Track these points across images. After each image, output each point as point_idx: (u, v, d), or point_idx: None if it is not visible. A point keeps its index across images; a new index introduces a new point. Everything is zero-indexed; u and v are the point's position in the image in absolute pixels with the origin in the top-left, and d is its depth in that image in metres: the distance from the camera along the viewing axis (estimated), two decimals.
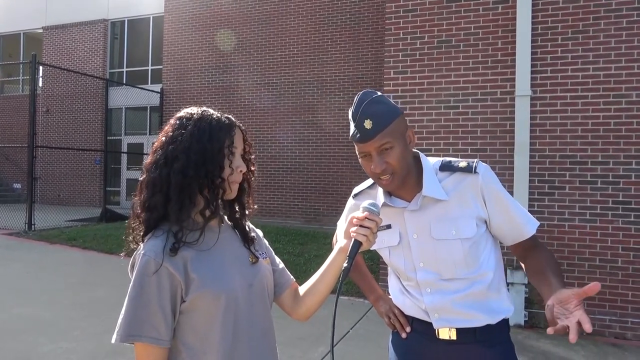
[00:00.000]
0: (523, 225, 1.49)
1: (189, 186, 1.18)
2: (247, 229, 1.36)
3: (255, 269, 1.30)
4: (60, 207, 13.23)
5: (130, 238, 1.24)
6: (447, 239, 1.46)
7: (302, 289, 1.41)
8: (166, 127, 1.25)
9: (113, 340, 1.13)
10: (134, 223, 1.24)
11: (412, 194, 1.51)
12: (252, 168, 1.33)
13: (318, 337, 4.23)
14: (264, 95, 11.93)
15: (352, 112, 1.43)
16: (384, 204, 1.54)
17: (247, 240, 1.33)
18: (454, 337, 1.49)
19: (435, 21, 5.06)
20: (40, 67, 14.06)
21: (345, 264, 1.28)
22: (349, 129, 1.48)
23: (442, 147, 4.98)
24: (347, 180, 11.08)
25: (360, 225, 1.27)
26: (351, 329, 4.47)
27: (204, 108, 1.28)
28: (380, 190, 1.56)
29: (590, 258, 4.48)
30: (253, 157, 1.34)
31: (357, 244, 1.27)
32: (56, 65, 13.69)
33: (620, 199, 4.40)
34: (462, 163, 1.49)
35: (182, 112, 1.27)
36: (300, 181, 11.55)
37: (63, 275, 6.52)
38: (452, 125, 4.97)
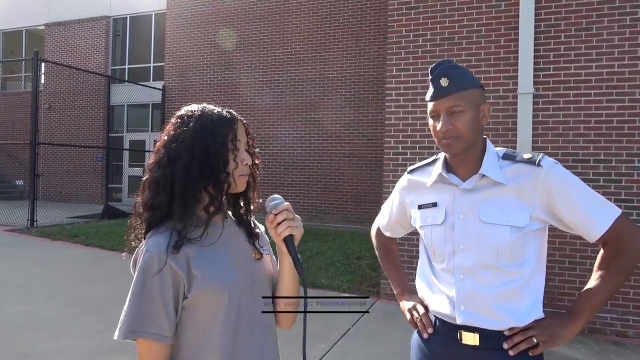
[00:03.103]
0: (588, 226, 1.39)
1: (193, 183, 1.18)
2: (252, 224, 1.35)
3: (259, 265, 1.29)
4: (62, 204, 13.25)
5: (132, 236, 1.24)
6: (495, 224, 1.40)
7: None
8: (168, 127, 1.25)
9: (115, 337, 1.13)
10: (135, 222, 1.24)
11: (468, 173, 1.47)
12: (257, 161, 1.33)
13: (319, 335, 4.24)
14: (265, 93, 11.92)
15: (431, 68, 1.44)
16: (437, 180, 1.53)
17: (252, 235, 1.32)
18: (476, 342, 1.42)
19: (437, 18, 5.04)
20: (42, 64, 14.05)
21: (294, 265, 1.25)
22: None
23: None
24: (348, 178, 11.08)
25: (278, 224, 1.24)
26: (352, 326, 4.47)
27: (204, 104, 1.27)
28: (436, 166, 1.55)
29: (591, 256, 4.47)
30: (257, 150, 1.34)
31: (290, 238, 1.25)
32: (58, 62, 13.69)
33: (623, 197, 4.39)
34: (527, 155, 1.44)
35: (183, 110, 1.26)
36: (301, 179, 11.55)
37: (65, 272, 6.53)
38: None
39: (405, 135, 5.16)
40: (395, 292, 1.80)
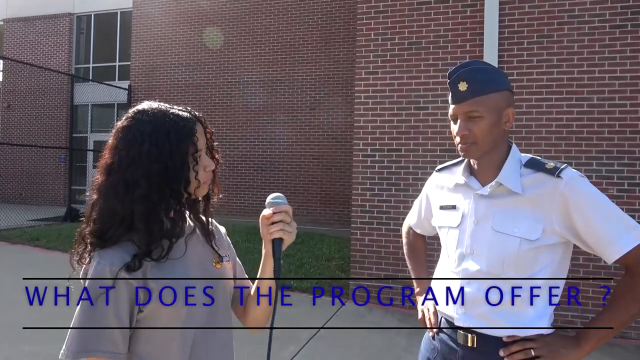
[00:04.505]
0: (605, 247, 1.31)
1: (155, 212, 1.08)
2: (208, 222, 1.26)
3: (218, 274, 1.21)
4: (22, 206, 12.80)
5: (75, 260, 1.10)
6: (506, 234, 1.37)
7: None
8: (117, 143, 1.11)
9: (61, 356, 1.02)
10: (79, 248, 1.09)
11: (488, 179, 1.45)
12: (217, 157, 1.23)
13: (289, 337, 4.23)
14: (235, 94, 11.83)
15: (450, 72, 1.42)
16: (458, 182, 1.53)
17: (208, 235, 1.23)
18: (474, 344, 1.43)
19: (405, 23, 5.12)
20: (1, 61, 13.57)
21: (274, 267, 1.19)
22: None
23: (411, 147, 5.05)
24: (318, 180, 11.11)
25: (272, 223, 1.19)
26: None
27: (158, 105, 1.14)
28: (462, 168, 1.53)
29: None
30: (216, 144, 1.23)
31: (278, 241, 1.20)
32: (18, 60, 13.23)
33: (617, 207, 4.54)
34: (550, 164, 1.39)
35: (130, 121, 1.12)
36: (270, 180, 11.51)
37: (25, 277, 6.31)
38: (421, 126, 5.04)
39: (374, 138, 5.21)
40: (415, 292, 1.81)
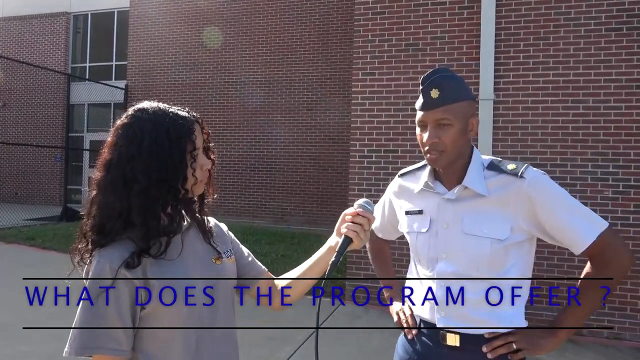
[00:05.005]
0: (572, 240, 1.38)
1: (153, 208, 1.10)
2: (205, 220, 1.28)
3: (219, 270, 1.23)
4: (18, 206, 12.75)
5: (77, 260, 1.12)
6: (476, 235, 1.41)
7: (283, 280, 1.38)
8: (117, 140, 1.13)
9: (65, 353, 1.03)
10: (81, 244, 1.12)
11: (454, 183, 1.47)
12: (213, 157, 1.25)
13: (286, 337, 4.23)
14: (231, 94, 11.83)
15: (423, 78, 1.42)
16: (424, 187, 1.53)
17: (205, 233, 1.25)
18: (456, 343, 1.45)
19: (403, 24, 5.14)
20: None
21: (332, 259, 1.24)
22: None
23: (408, 148, 5.06)
24: (314, 181, 11.12)
25: (352, 222, 1.25)
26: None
27: (158, 105, 1.17)
28: (426, 172, 1.54)
29: (548, 257, 4.64)
30: (212, 144, 1.25)
31: (348, 240, 1.24)
32: (14, 58, 13.18)
33: (577, 200, 4.56)
34: (511, 165, 1.43)
35: (132, 118, 1.14)
36: (267, 181, 11.51)
37: (21, 276, 6.29)
38: None
39: (370, 139, 5.22)
40: (385, 295, 1.82)
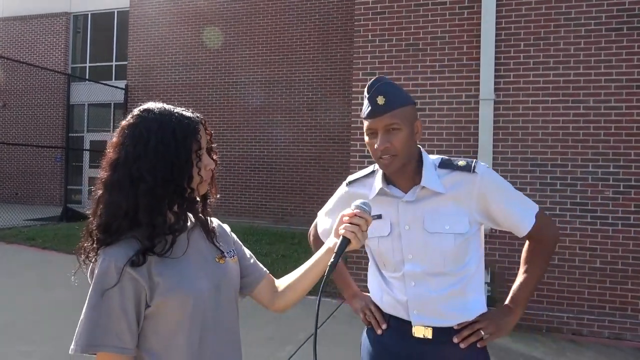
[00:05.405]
0: (518, 225, 1.53)
1: (159, 207, 1.12)
2: (208, 220, 1.29)
3: (223, 268, 1.24)
4: (18, 206, 12.75)
5: (83, 258, 1.13)
6: (439, 233, 1.47)
7: (283, 283, 1.40)
8: (123, 140, 1.14)
9: (71, 351, 1.05)
10: (86, 243, 1.13)
11: (409, 185, 1.52)
12: (215, 157, 1.27)
13: (286, 337, 4.23)
14: (232, 94, 11.83)
15: (368, 87, 1.45)
16: (378, 193, 1.55)
17: (209, 232, 1.27)
18: (429, 335, 1.50)
19: (403, 24, 5.13)
20: None
21: (332, 259, 1.27)
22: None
23: None
24: (314, 181, 11.11)
25: (350, 223, 1.27)
26: (318, 328, 4.48)
27: (163, 106, 1.18)
28: (376, 179, 1.57)
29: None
30: (214, 145, 1.28)
31: (346, 241, 1.26)
32: (13, 59, 13.18)
33: (578, 200, 4.57)
34: (461, 162, 1.51)
35: (138, 118, 1.16)
36: (267, 181, 11.50)
37: (21, 277, 6.29)
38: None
39: None
40: (344, 295, 1.82)
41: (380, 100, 1.42)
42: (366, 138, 1.51)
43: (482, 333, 1.49)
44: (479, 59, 4.83)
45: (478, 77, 4.83)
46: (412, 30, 5.10)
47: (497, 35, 4.79)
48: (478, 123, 4.81)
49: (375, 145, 1.45)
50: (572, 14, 4.64)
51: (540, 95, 4.71)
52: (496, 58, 4.79)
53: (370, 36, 5.24)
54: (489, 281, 4.67)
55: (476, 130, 4.82)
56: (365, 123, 1.48)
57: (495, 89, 4.79)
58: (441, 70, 4.99)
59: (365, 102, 1.46)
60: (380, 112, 1.42)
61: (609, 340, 4.43)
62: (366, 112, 1.46)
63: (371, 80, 1.46)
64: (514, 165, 4.72)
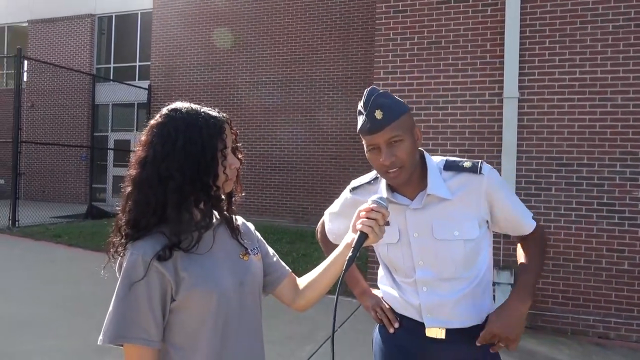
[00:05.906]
0: (523, 224, 1.55)
1: (186, 203, 1.15)
2: (233, 218, 1.31)
3: (246, 265, 1.27)
4: (44, 204, 13.03)
5: (112, 252, 1.17)
6: (449, 240, 1.45)
7: (303, 281, 1.41)
8: (152, 138, 1.17)
9: (100, 342, 1.09)
10: (115, 238, 1.16)
11: (415, 192, 1.50)
12: (240, 156, 1.29)
13: (306, 336, 4.24)
14: (253, 94, 11.89)
15: (363, 102, 1.43)
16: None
17: (234, 230, 1.29)
18: (442, 336, 1.49)
19: (425, 22, 5.08)
20: (25, 62, 13.83)
21: (349, 254, 1.27)
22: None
23: (430, 147, 5.01)
24: (335, 180, 11.10)
25: (367, 218, 1.27)
26: (338, 328, 4.48)
27: (190, 106, 1.21)
28: (381, 186, 1.55)
29: (575, 259, 4.54)
30: (240, 144, 1.30)
31: (363, 236, 1.26)
32: (42, 60, 13.49)
33: (605, 200, 4.46)
34: (467, 163, 1.49)
35: (166, 117, 1.18)
36: (288, 180, 11.54)
37: (48, 273, 6.44)
38: (440, 126, 5.00)
39: None
40: (354, 293, 1.81)
41: (378, 114, 1.38)
42: (367, 153, 1.47)
43: (501, 345, 1.48)
44: (502, 56, 4.75)
45: (502, 74, 4.75)
46: (435, 28, 5.05)
47: (521, 32, 4.71)
48: (502, 121, 4.73)
49: (380, 160, 1.41)
50: (600, 10, 4.53)
51: (566, 93, 4.62)
52: (520, 55, 4.70)
53: (391, 34, 5.20)
54: (512, 282, 4.60)
55: (500, 128, 4.75)
56: (366, 139, 1.44)
57: (520, 87, 4.70)
58: (464, 69, 4.92)
59: (363, 117, 1.42)
60: (380, 126, 1.38)
61: (637, 345, 4.32)
62: (366, 129, 1.41)
63: (365, 94, 1.42)
64: (539, 165, 4.63)
